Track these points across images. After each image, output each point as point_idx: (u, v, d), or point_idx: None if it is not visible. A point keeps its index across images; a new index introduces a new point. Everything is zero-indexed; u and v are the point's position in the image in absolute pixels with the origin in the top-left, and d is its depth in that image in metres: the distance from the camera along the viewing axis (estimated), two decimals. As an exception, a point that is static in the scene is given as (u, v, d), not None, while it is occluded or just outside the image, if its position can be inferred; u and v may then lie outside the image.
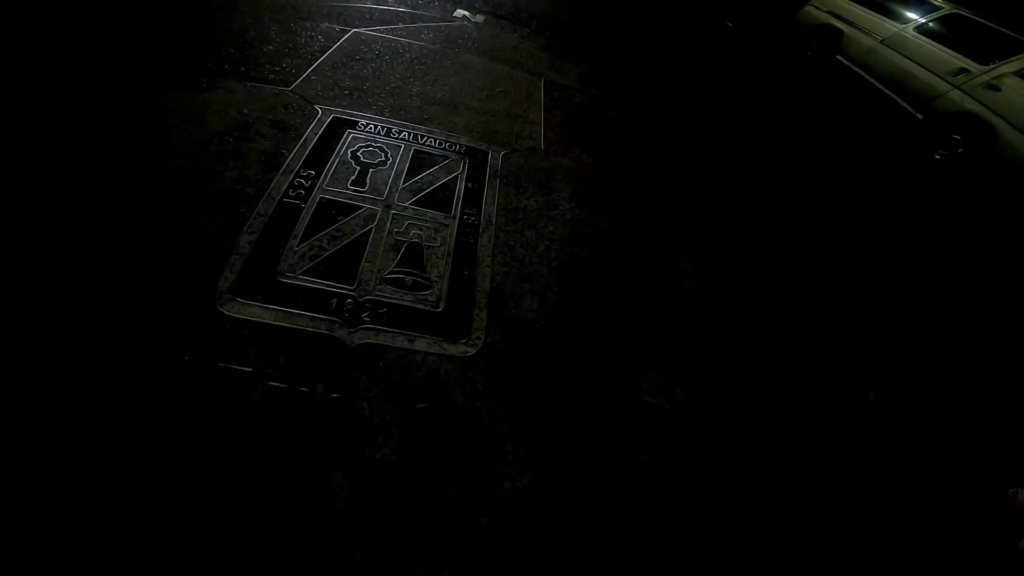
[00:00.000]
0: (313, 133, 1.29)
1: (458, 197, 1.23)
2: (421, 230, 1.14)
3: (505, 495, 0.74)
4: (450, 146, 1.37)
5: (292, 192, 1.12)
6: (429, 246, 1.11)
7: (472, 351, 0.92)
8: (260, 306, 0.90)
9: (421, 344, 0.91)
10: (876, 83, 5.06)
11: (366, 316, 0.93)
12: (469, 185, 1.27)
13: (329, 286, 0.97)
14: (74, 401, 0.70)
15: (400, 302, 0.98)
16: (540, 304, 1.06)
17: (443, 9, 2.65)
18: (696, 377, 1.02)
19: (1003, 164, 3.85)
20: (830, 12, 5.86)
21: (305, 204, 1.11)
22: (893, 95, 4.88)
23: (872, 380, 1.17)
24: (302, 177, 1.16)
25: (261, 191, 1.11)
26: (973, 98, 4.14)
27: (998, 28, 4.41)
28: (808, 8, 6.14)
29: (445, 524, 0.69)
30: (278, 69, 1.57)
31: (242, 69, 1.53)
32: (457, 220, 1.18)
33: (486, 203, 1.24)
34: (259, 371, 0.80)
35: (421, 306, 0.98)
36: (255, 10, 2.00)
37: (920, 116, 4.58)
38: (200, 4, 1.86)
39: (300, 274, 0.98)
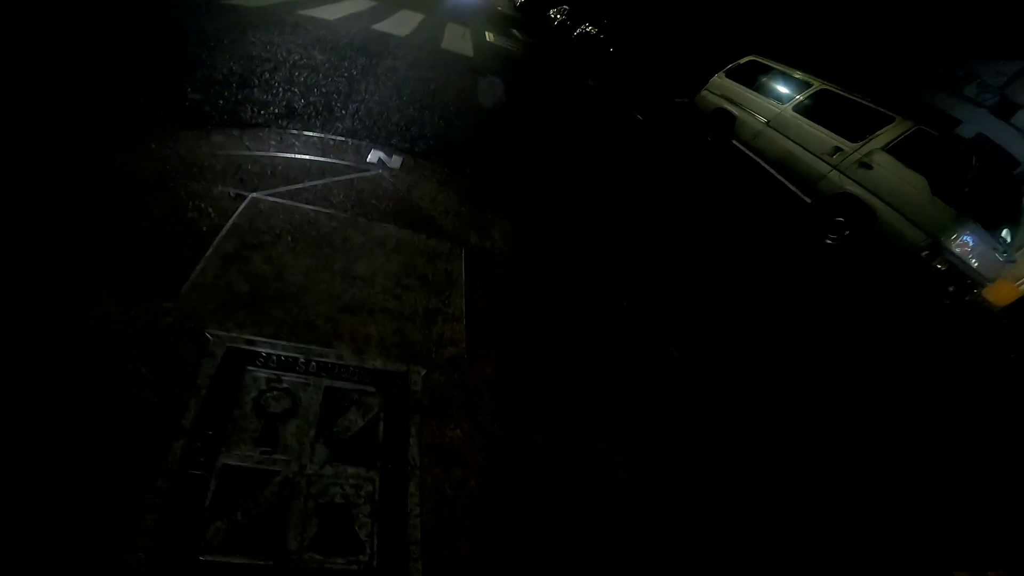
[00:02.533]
0: (206, 376, 1.28)
1: (378, 444, 1.27)
2: (343, 488, 1.15)
3: None
4: (364, 375, 1.43)
5: (192, 462, 1.09)
6: (355, 504, 1.13)
7: None
8: None
9: None
10: (767, 167, 5.50)
11: None
12: (390, 425, 1.33)
13: (253, 560, 0.97)
14: None
15: (334, 567, 1.01)
16: (474, 541, 1.14)
17: (356, 153, 2.87)
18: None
19: (884, 245, 4.12)
20: (722, 96, 6.78)
21: (210, 475, 1.08)
22: (783, 179, 5.23)
23: None
24: (199, 440, 1.14)
25: (157, 462, 1.06)
26: (850, 178, 4.44)
27: (863, 102, 4.79)
28: (704, 93, 7.22)
29: None
30: (162, 270, 1.56)
31: (116, 273, 1.50)
32: (380, 472, 1.21)
33: (410, 445, 1.29)
34: None
35: (355, 567, 1.02)
36: (146, 166, 2.02)
37: (808, 200, 4.88)
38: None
39: (225, 554, 0.96)
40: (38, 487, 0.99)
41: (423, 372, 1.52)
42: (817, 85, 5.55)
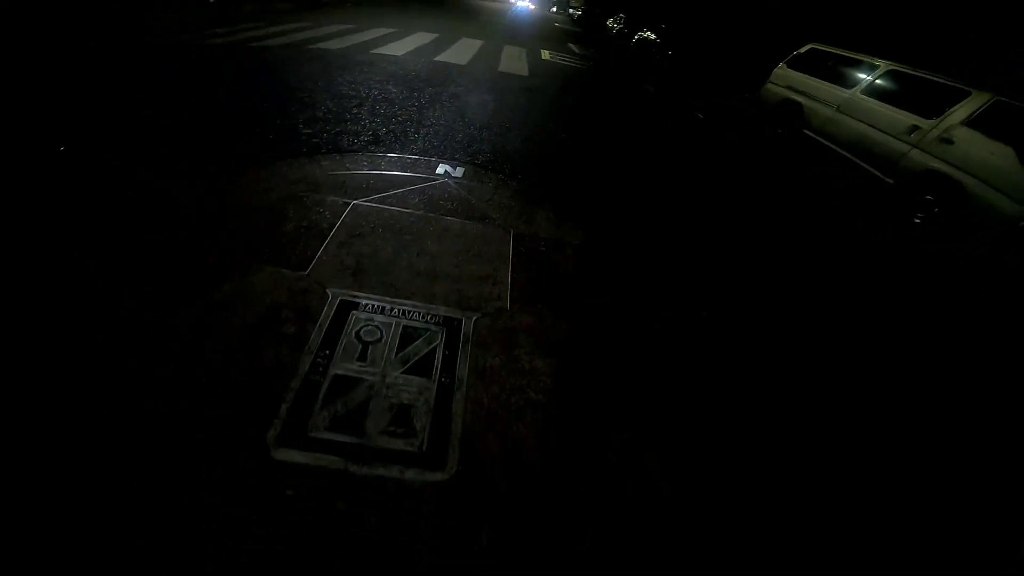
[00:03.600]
0: (326, 317, 1.88)
1: (437, 365, 1.77)
2: (409, 394, 1.66)
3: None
4: (430, 318, 1.97)
5: (314, 371, 1.67)
6: (414, 406, 1.63)
7: (447, 477, 1.40)
8: (298, 452, 1.39)
9: (409, 474, 1.38)
10: (844, 152, 5.45)
11: (370, 459, 1.41)
12: (446, 353, 1.82)
13: (344, 439, 1.46)
14: (180, 500, 1.14)
15: (394, 447, 1.47)
16: (500, 441, 1.55)
17: (427, 167, 3.52)
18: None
19: (979, 218, 3.96)
20: (787, 87, 6.69)
21: (324, 378, 1.65)
22: (861, 163, 5.19)
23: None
24: (321, 356, 1.72)
25: (295, 368, 1.66)
26: (932, 155, 4.32)
27: (934, 78, 4.69)
28: (768, 86, 7.15)
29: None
30: (298, 251, 2.24)
31: (271, 251, 2.20)
32: (436, 383, 1.71)
33: (459, 367, 1.78)
34: (296, 496, 1.28)
35: (410, 449, 1.47)
36: (278, 185, 2.79)
37: (890, 181, 4.81)
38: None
39: (325, 432, 1.48)
40: (224, 383, 1.61)
41: (474, 318, 2.01)
42: (884, 66, 5.36)
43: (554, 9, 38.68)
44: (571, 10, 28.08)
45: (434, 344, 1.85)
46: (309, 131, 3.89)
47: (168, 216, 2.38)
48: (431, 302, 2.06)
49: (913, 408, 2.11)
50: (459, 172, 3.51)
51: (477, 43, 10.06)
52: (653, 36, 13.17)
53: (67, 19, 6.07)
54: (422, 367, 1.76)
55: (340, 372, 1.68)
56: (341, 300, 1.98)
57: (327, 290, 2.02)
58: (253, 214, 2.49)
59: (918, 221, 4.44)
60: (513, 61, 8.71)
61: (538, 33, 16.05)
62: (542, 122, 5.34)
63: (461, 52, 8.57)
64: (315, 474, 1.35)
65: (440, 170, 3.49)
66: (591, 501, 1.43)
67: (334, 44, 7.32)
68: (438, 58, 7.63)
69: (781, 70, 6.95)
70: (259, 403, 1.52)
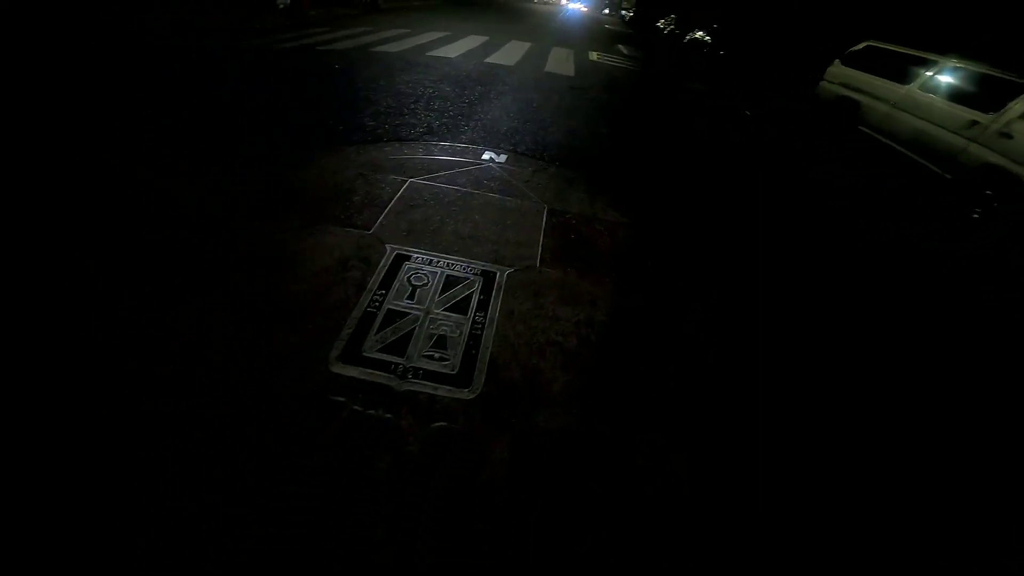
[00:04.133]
0: (384, 265, 2.27)
1: (472, 305, 2.10)
2: (447, 327, 2.00)
3: (483, 481, 1.45)
4: (470, 270, 2.31)
5: (371, 305, 2.05)
6: (451, 336, 1.96)
7: (473, 396, 1.70)
8: (354, 367, 1.75)
9: (441, 391, 1.70)
10: (901, 148, 5.45)
11: (410, 375, 1.76)
12: (481, 297, 2.15)
13: (391, 359, 1.82)
14: (249, 412, 1.53)
15: (431, 368, 1.81)
16: (520, 369, 1.85)
17: (474, 154, 3.89)
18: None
19: None
20: (842, 84, 6.64)
21: (379, 311, 2.02)
22: (918, 158, 5.18)
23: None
24: (377, 295, 2.10)
25: (355, 302, 2.04)
26: (991, 149, 4.25)
27: (993, 73, 4.59)
28: (823, 83, 7.10)
29: (435, 494, 1.41)
30: (363, 216, 2.66)
31: (342, 216, 2.63)
32: (471, 320, 2.04)
33: (491, 309, 2.10)
34: (348, 401, 1.63)
35: (444, 370, 1.80)
36: (348, 166, 3.26)
37: (948, 176, 4.77)
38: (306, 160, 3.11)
39: (376, 352, 1.84)
40: (304, 313, 2.01)
41: (507, 271, 2.33)
42: (942, 61, 5.24)
43: (606, 11, 38.53)
44: (622, 12, 27.94)
45: (471, 290, 2.19)
46: (373, 123, 4.38)
47: (265, 185, 2.88)
48: (471, 258, 2.41)
49: (959, 413, 2.09)
50: (502, 158, 3.86)
51: (525, 45, 10.44)
52: (705, 36, 13.01)
53: (172, 33, 7.03)
54: (460, 307, 2.10)
55: (392, 307, 2.05)
56: (396, 253, 2.37)
57: (385, 245, 2.41)
58: (330, 187, 2.95)
59: (976, 216, 4.33)
60: (560, 62, 9.00)
61: (587, 35, 16.21)
62: (583, 117, 5.59)
63: (510, 54, 8.96)
64: (364, 385, 1.69)
65: (485, 156, 3.85)
66: (596, 422, 1.70)
67: (393, 47, 7.94)
68: (488, 60, 8.06)
69: (836, 68, 6.87)
70: (327, 329, 1.90)
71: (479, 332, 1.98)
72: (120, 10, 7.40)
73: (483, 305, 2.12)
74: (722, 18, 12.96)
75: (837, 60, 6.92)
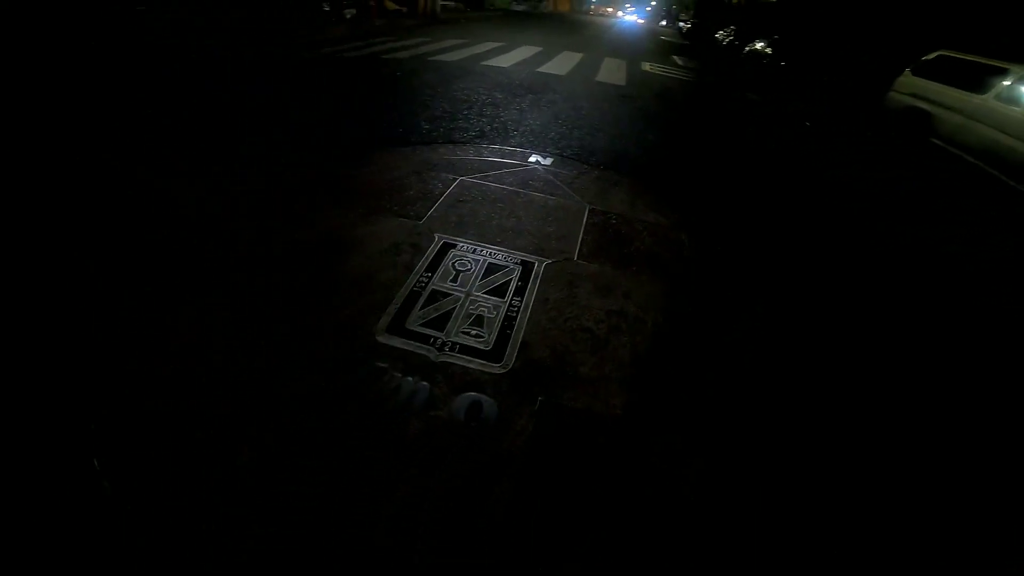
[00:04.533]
0: (431, 251, 2.46)
1: (510, 291, 2.24)
2: (485, 308, 2.15)
3: (510, 444, 1.57)
4: (511, 259, 2.45)
5: (417, 285, 2.24)
6: (488, 317, 2.11)
7: (504, 370, 1.82)
8: (397, 338, 1.93)
9: (474, 364, 1.84)
10: (974, 160, 5.21)
11: (448, 348, 1.92)
12: (519, 284, 2.29)
13: (431, 333, 1.99)
14: (305, 367, 1.74)
15: (466, 343, 1.96)
16: (550, 350, 1.96)
17: (522, 156, 4.06)
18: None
19: None
20: (912, 94, 6.35)
21: (424, 291, 2.21)
22: (991, 170, 4.95)
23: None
24: (424, 276, 2.29)
25: (403, 282, 2.24)
26: None
27: None
28: (891, 94, 6.79)
29: (463, 459, 1.54)
30: (416, 209, 2.89)
31: (396, 208, 2.87)
32: (507, 303, 2.17)
33: (527, 295, 2.23)
34: (389, 366, 1.81)
35: (479, 346, 1.94)
36: (404, 165, 3.53)
37: (1023, 188, 4.59)
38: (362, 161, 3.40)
39: (418, 326, 2.02)
40: (357, 289, 2.23)
41: (545, 262, 2.46)
42: (1019, 70, 4.97)
43: (663, 23, 38.03)
44: (680, 23, 27.51)
45: (510, 277, 2.34)
46: (428, 127, 4.68)
47: (334, 180, 3.19)
48: (512, 249, 2.56)
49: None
50: (548, 161, 4.01)
51: (578, 56, 10.59)
52: (765, 47, 12.62)
53: (261, 45, 7.78)
54: (498, 292, 2.24)
55: (436, 288, 2.23)
56: (443, 242, 2.56)
57: (434, 234, 2.61)
58: (387, 183, 3.22)
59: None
60: (611, 72, 9.07)
61: (641, 47, 16.15)
62: (631, 124, 5.64)
63: (562, 64, 9.15)
64: (405, 353, 1.85)
65: (532, 159, 4.01)
66: (618, 410, 1.78)
67: (450, 56, 8.35)
68: (540, 69, 8.28)
69: (906, 78, 6.55)
70: (376, 303, 2.10)
71: (514, 314, 2.12)
72: (218, 29, 8.28)
73: (520, 291, 2.25)
74: (785, 29, 12.51)
75: (907, 70, 6.60)
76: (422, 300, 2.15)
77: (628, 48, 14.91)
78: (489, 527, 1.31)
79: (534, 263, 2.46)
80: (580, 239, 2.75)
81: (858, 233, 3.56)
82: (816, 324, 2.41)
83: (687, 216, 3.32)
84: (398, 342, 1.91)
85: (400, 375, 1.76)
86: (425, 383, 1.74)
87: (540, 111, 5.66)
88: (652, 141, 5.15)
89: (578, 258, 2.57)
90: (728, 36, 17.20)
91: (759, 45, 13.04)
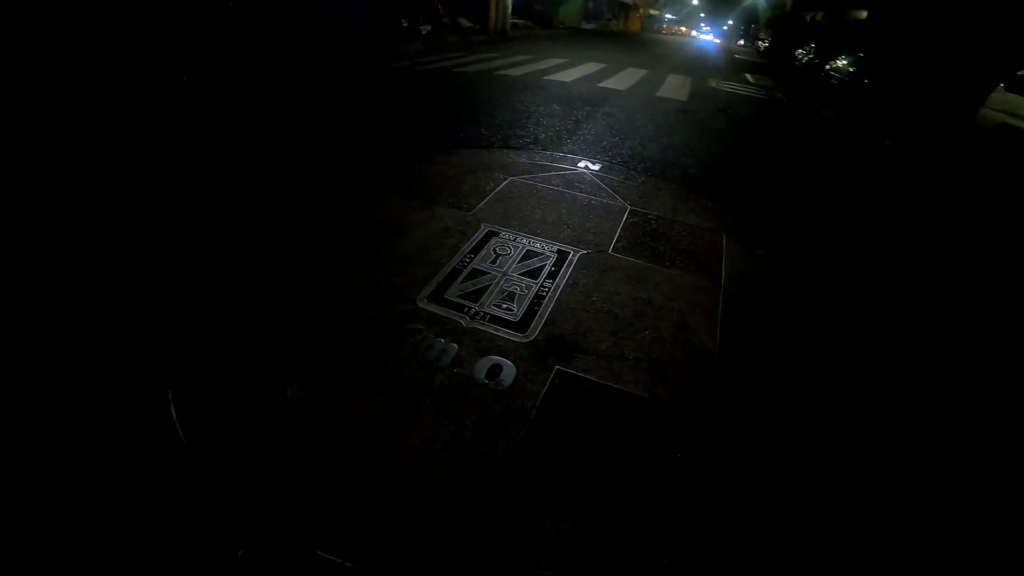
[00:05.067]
0: (476, 237, 2.71)
1: (544, 274, 2.43)
2: (517, 287, 2.35)
3: (525, 410, 1.74)
4: (548, 248, 2.65)
5: (460, 264, 2.49)
6: (520, 294, 2.30)
7: (527, 340, 2.01)
8: (435, 305, 2.18)
9: (502, 333, 2.03)
10: None
11: (479, 317, 2.13)
12: (553, 268, 2.47)
13: (466, 303, 2.22)
14: (358, 328, 2.01)
15: (497, 314, 2.16)
16: (573, 326, 2.11)
17: (572, 162, 4.25)
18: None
19: None
20: (1004, 111, 5.86)
21: (465, 269, 2.46)
22: None
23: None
24: (467, 257, 2.54)
25: (448, 260, 2.51)
26: None
27: None
28: (984, 110, 6.32)
29: (484, 417, 1.72)
30: (467, 202, 3.17)
31: (450, 200, 3.18)
32: (539, 284, 2.36)
33: (559, 278, 2.40)
34: (426, 328, 2.04)
35: (508, 317, 2.13)
36: (461, 165, 3.86)
37: None
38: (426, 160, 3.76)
39: (455, 297, 2.26)
40: (410, 264, 2.51)
41: (580, 252, 2.62)
42: None
43: (740, 42, 36.82)
44: (758, 42, 26.55)
45: (545, 262, 2.52)
46: (487, 133, 5.02)
47: (402, 175, 3.58)
48: (551, 239, 2.75)
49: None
50: (596, 166, 4.17)
51: (642, 72, 10.66)
52: (846, 64, 11.93)
53: (341, 59, 8.66)
54: (532, 274, 2.44)
55: (476, 267, 2.47)
56: (488, 230, 2.81)
57: (481, 223, 2.87)
58: (445, 179, 3.55)
59: None
60: (674, 88, 9.05)
61: (712, 65, 15.83)
62: (685, 137, 5.65)
63: (624, 79, 9.27)
64: (440, 319, 2.08)
65: (581, 164, 4.20)
66: (629, 386, 1.90)
67: (515, 71, 8.78)
68: (600, 84, 8.46)
69: (999, 94, 6.06)
70: (422, 276, 2.37)
71: (544, 294, 2.30)
72: (310, 47, 9.34)
73: (553, 275, 2.43)
74: (872, 45, 11.76)
75: (1001, 86, 6.08)
76: (462, 276, 2.39)
77: (697, 66, 14.68)
78: (489, 476, 1.48)
79: (569, 252, 2.64)
80: (617, 235, 2.89)
81: (898, 238, 3.37)
82: (848, 328, 2.35)
83: (729, 221, 3.33)
84: (436, 308, 2.15)
85: (433, 336, 2.00)
86: (454, 344, 1.96)
87: (595, 122, 5.84)
88: (705, 152, 5.13)
89: (612, 251, 2.71)
90: (808, 54, 16.43)
91: (841, 63, 12.37)
